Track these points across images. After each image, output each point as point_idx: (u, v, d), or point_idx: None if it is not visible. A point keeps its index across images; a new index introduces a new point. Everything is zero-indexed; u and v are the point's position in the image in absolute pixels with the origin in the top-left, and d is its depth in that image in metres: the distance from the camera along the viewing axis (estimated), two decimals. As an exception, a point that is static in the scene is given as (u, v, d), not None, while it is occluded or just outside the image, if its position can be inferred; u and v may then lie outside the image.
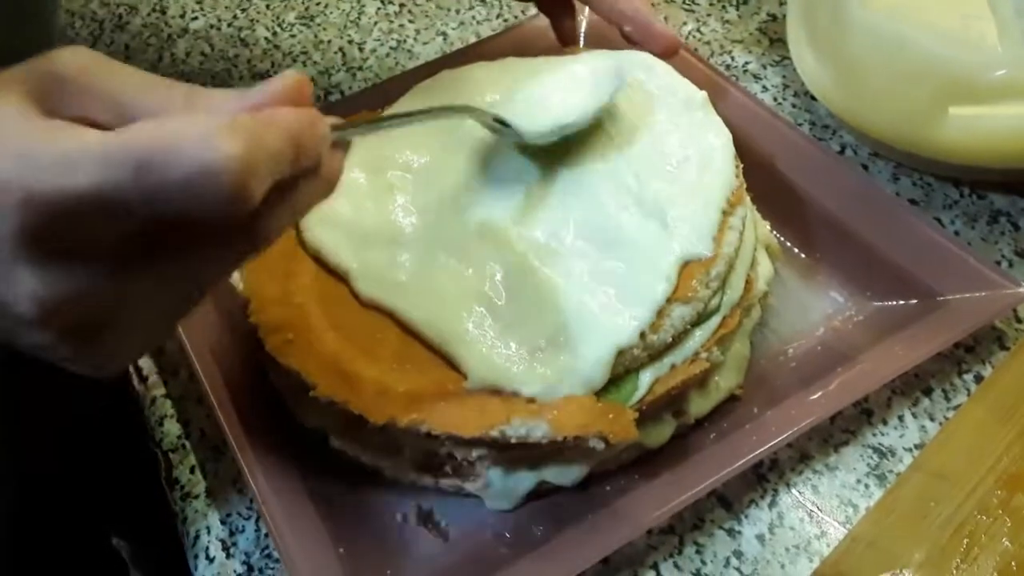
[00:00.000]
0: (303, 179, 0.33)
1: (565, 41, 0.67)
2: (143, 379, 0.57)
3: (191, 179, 0.28)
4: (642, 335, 0.47)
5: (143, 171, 0.27)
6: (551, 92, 0.55)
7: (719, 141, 0.54)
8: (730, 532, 0.48)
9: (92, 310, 0.31)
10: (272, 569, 0.49)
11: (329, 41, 0.80)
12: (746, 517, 0.49)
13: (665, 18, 0.78)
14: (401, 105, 0.59)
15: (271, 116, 0.30)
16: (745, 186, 0.54)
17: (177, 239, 0.31)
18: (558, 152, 0.53)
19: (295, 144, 0.31)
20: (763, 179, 0.59)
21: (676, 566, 0.47)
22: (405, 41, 0.79)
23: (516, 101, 0.55)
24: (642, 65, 0.59)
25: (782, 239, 0.60)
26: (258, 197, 0.29)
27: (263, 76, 0.77)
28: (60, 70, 0.31)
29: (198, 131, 0.28)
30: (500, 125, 0.51)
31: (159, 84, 0.31)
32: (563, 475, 0.48)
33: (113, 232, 0.29)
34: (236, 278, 0.54)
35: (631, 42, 0.60)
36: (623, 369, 0.47)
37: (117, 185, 0.28)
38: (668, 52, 0.59)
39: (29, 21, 0.62)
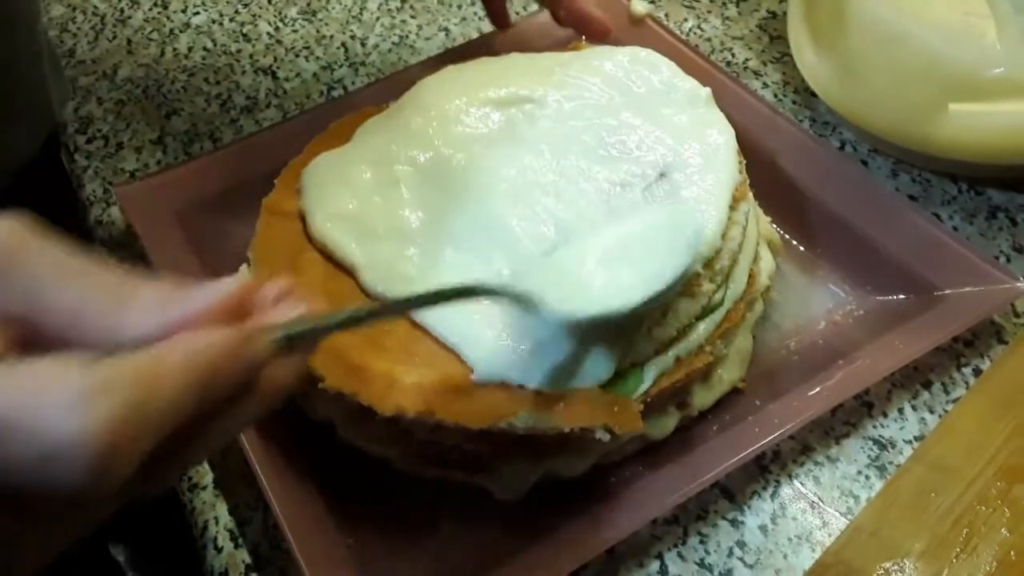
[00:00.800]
0: (226, 405, 0.28)
1: (499, 23, 0.68)
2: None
3: (44, 456, 0.23)
4: (648, 329, 0.47)
5: None
6: (599, 259, 0.47)
7: (723, 137, 0.55)
8: (733, 522, 0.49)
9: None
10: (280, 559, 0.49)
11: (331, 36, 0.80)
12: (749, 508, 0.49)
13: (666, 15, 0.79)
14: (406, 99, 0.60)
15: (177, 350, 0.26)
16: (748, 182, 0.55)
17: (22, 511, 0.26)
18: (565, 148, 0.54)
19: (205, 380, 0.27)
20: (765, 175, 0.60)
21: (680, 556, 0.48)
22: (407, 36, 0.80)
23: (552, 263, 0.48)
24: (646, 62, 0.60)
25: (783, 234, 0.61)
26: (129, 469, 0.24)
27: (265, 71, 0.77)
28: None
29: (61, 398, 0.23)
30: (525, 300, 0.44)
31: (85, 274, 0.27)
32: (569, 467, 0.49)
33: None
34: (244, 272, 0.54)
35: (563, 25, 0.61)
36: (628, 362, 0.48)
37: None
38: (600, 37, 0.60)
39: (9, 29, 0.61)
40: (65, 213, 0.72)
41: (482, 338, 0.47)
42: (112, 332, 0.27)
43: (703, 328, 0.50)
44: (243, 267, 0.55)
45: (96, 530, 0.29)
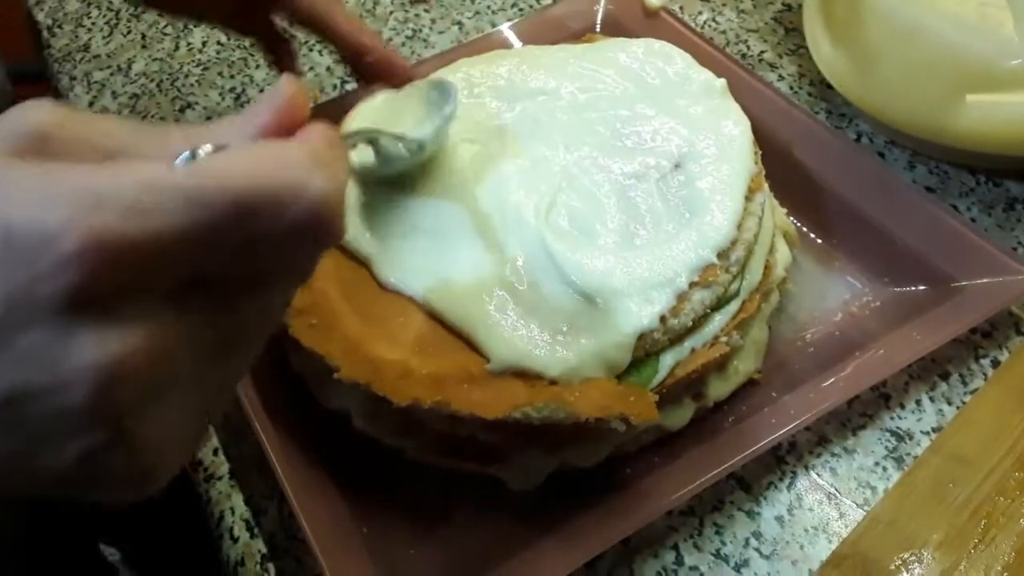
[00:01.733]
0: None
1: (293, 71, 0.66)
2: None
3: (298, 225, 0.25)
4: (663, 319, 0.47)
5: (246, 216, 0.25)
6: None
7: (738, 128, 0.55)
8: (749, 513, 0.49)
9: (159, 372, 0.25)
10: (296, 549, 0.49)
11: (345, 30, 0.80)
12: (765, 499, 0.49)
13: (680, 8, 0.79)
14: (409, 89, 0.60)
15: (316, 140, 0.28)
16: (764, 173, 0.55)
17: (255, 276, 0.28)
18: (579, 140, 0.54)
19: (343, 156, 0.29)
20: (781, 166, 0.60)
21: (696, 547, 0.48)
22: (421, 30, 0.80)
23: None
24: (660, 53, 0.60)
25: (800, 225, 0.60)
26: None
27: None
28: (35, 127, 0.26)
29: (294, 175, 0.25)
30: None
31: (149, 129, 0.28)
32: (584, 457, 0.49)
33: (187, 274, 0.25)
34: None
35: (367, 73, 0.59)
36: (644, 352, 0.47)
37: (213, 227, 0.24)
38: (404, 82, 0.58)
39: None
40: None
41: (497, 328, 0.47)
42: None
43: (719, 319, 0.50)
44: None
45: (88, 529, 0.29)
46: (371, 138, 0.50)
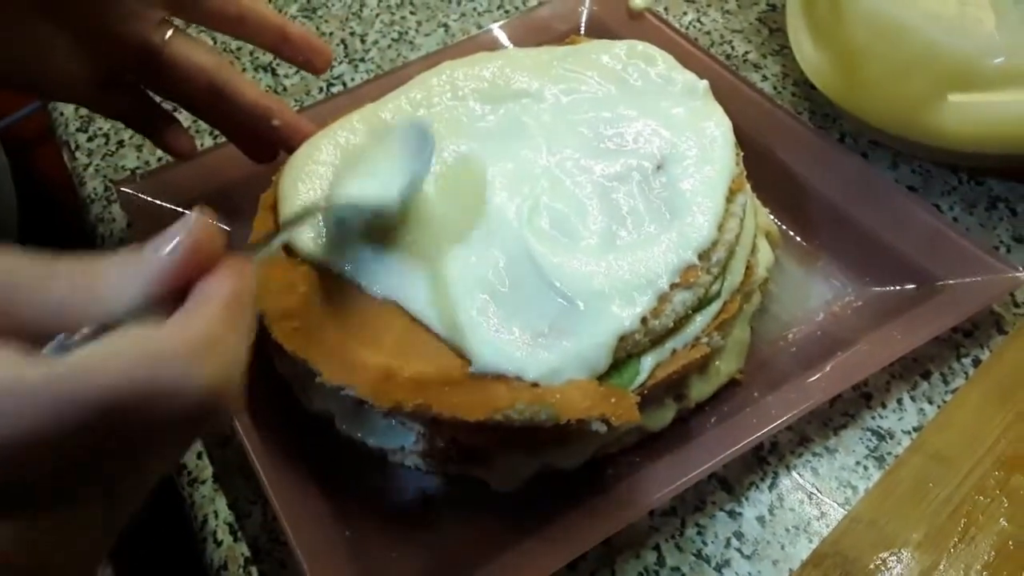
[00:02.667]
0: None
1: (178, 155, 0.59)
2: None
3: (177, 419, 0.25)
4: (644, 320, 0.47)
5: (116, 417, 0.24)
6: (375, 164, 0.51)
7: (720, 130, 0.55)
8: (731, 514, 0.49)
9: (31, 561, 0.25)
10: (279, 552, 0.49)
11: (331, 33, 0.80)
12: (747, 499, 0.49)
13: (666, 8, 0.79)
14: (401, 93, 0.60)
15: (211, 310, 0.27)
16: (745, 174, 0.55)
17: (132, 455, 0.27)
18: (561, 142, 0.54)
19: (245, 314, 0.28)
20: (764, 167, 0.60)
21: (678, 547, 0.48)
22: (407, 33, 0.80)
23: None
24: (643, 55, 0.60)
25: (782, 226, 0.61)
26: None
27: (265, 68, 0.77)
28: None
29: (173, 372, 0.25)
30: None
31: (29, 272, 0.27)
32: (566, 458, 0.49)
33: (54, 468, 0.25)
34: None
35: (274, 139, 0.56)
36: (625, 354, 0.48)
37: (80, 427, 0.24)
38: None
39: None
40: (66, 210, 0.73)
41: (479, 330, 0.47)
42: (94, 314, 0.26)
43: (700, 320, 0.50)
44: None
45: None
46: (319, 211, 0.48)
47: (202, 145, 0.71)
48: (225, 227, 0.62)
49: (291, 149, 0.56)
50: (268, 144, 0.58)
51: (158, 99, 0.58)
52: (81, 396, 0.23)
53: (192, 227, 0.28)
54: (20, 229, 0.76)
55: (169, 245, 0.28)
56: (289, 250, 0.52)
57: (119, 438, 0.25)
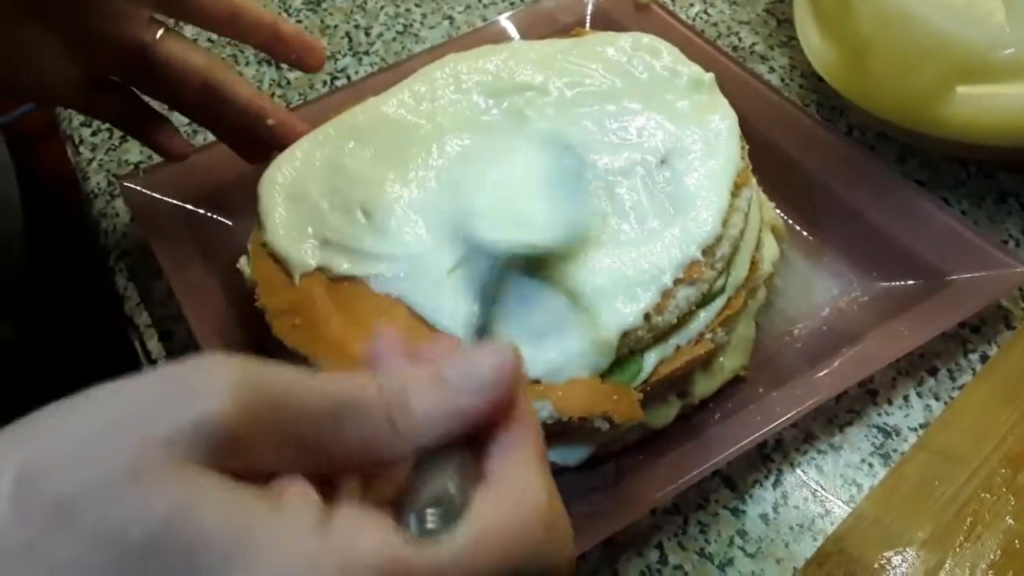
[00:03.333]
0: None
1: (172, 156, 0.59)
2: (152, 363, 0.58)
3: None
4: (647, 317, 0.47)
5: None
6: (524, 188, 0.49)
7: (725, 123, 0.54)
8: (734, 512, 0.49)
9: None
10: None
11: (335, 26, 0.80)
12: (750, 497, 0.49)
13: (672, 0, 0.78)
14: (405, 86, 0.59)
15: (538, 469, 0.27)
16: (751, 167, 0.54)
17: None
18: (566, 135, 0.54)
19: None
20: (770, 160, 0.59)
21: (680, 545, 0.48)
22: (412, 25, 0.79)
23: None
24: (648, 47, 0.59)
25: (788, 220, 0.60)
26: None
27: (269, 62, 0.77)
28: (220, 427, 0.23)
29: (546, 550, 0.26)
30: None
31: (340, 405, 0.25)
32: (568, 455, 0.49)
33: None
34: (243, 263, 0.54)
35: (268, 138, 0.55)
36: (628, 350, 0.47)
37: None
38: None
39: None
40: (69, 206, 0.73)
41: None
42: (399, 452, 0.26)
43: (703, 316, 0.49)
44: (242, 259, 0.55)
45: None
46: None
47: (205, 140, 0.71)
48: (227, 220, 0.63)
49: (285, 148, 0.56)
50: (262, 144, 0.57)
51: (149, 100, 0.57)
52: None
53: (502, 364, 0.27)
54: (25, 226, 0.76)
55: (478, 381, 0.26)
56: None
57: None
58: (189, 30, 0.58)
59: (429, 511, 0.25)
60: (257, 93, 0.54)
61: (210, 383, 0.23)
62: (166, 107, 0.57)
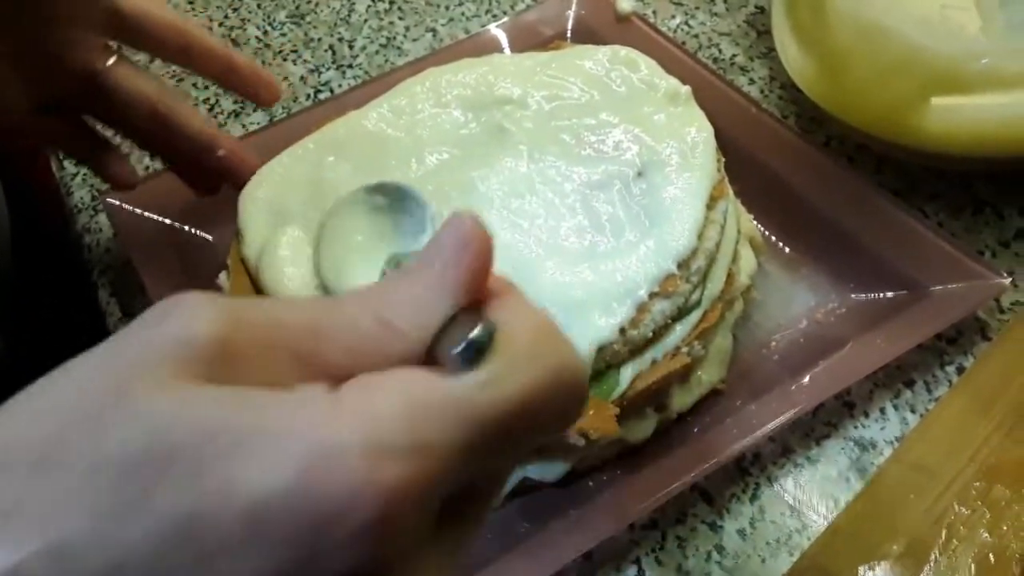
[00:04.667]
0: None
1: (119, 184, 0.58)
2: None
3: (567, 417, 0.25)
4: (623, 331, 0.47)
5: (523, 418, 0.23)
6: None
7: (701, 135, 0.54)
8: (712, 527, 0.49)
9: None
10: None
11: (319, 39, 0.80)
12: (728, 512, 0.49)
13: (654, 12, 0.78)
14: (384, 100, 0.59)
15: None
16: (727, 180, 0.54)
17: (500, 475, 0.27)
18: (544, 149, 0.54)
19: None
20: (748, 173, 0.59)
21: (658, 561, 0.48)
22: (395, 38, 0.80)
23: None
24: (626, 60, 0.59)
25: (766, 232, 0.60)
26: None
27: (253, 75, 0.77)
28: (211, 338, 0.22)
29: (572, 377, 0.25)
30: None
31: (326, 308, 0.24)
32: (545, 471, 0.49)
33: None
34: (223, 278, 0.54)
35: (218, 168, 0.54)
36: (604, 365, 0.47)
37: (484, 445, 0.23)
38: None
39: None
40: (53, 220, 0.73)
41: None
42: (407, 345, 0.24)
43: (680, 329, 0.50)
44: (222, 275, 0.55)
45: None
46: None
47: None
48: (208, 236, 0.63)
49: (236, 181, 0.55)
50: (213, 175, 0.56)
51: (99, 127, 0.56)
52: (492, 409, 0.23)
53: (461, 225, 0.26)
54: (12, 238, 0.76)
55: (447, 252, 0.25)
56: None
57: (521, 440, 0.25)
58: (194, 21, 0.59)
59: (462, 345, 0.24)
60: (207, 124, 0.54)
61: (191, 305, 0.23)
62: (118, 136, 0.57)
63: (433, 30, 0.80)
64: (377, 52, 0.79)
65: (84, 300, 0.66)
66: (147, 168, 0.71)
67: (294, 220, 0.53)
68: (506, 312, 0.25)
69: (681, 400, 0.51)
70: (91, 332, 0.65)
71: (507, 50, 0.71)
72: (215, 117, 0.74)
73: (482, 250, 0.25)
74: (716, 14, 0.77)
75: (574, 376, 0.25)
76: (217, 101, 0.76)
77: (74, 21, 0.49)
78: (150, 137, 0.55)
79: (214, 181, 0.57)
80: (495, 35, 0.73)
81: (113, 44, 0.52)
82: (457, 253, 0.25)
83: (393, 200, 0.48)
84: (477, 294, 0.25)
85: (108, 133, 0.57)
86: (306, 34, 0.81)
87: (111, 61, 0.51)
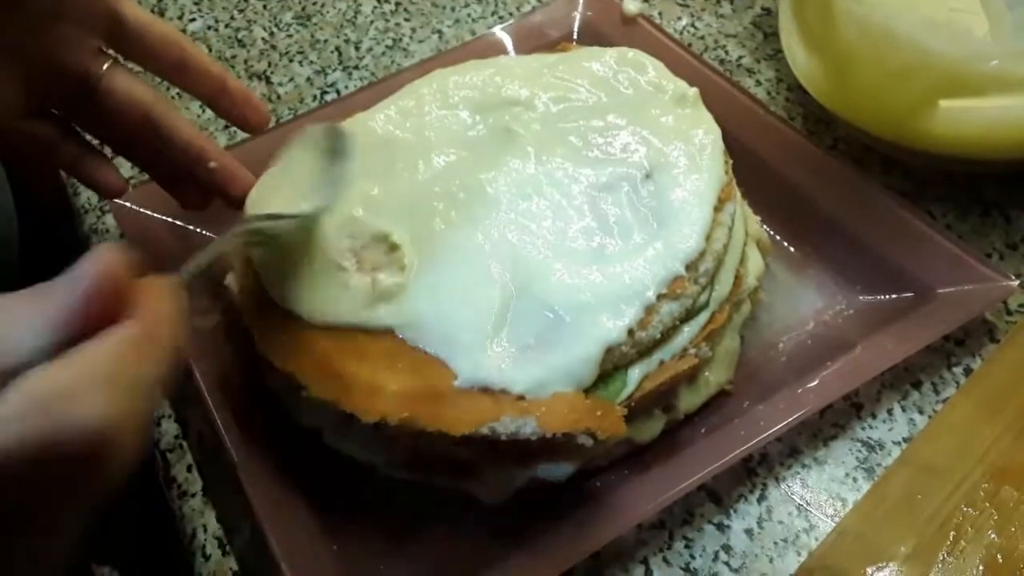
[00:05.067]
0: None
1: (109, 192, 0.56)
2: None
3: (74, 454, 0.26)
4: (630, 332, 0.47)
5: (17, 464, 0.25)
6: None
7: (709, 138, 0.54)
8: (719, 527, 0.49)
9: None
10: (267, 567, 0.49)
11: (326, 40, 0.80)
12: (735, 511, 0.49)
13: (660, 13, 0.78)
14: (391, 102, 0.59)
15: (112, 343, 0.28)
16: (735, 182, 0.54)
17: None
18: (551, 151, 0.54)
19: (158, 343, 0.30)
20: (755, 174, 0.59)
21: (666, 561, 0.48)
22: (401, 40, 0.80)
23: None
24: (633, 62, 0.59)
25: (773, 234, 0.60)
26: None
27: (259, 76, 0.77)
28: None
29: (65, 408, 0.26)
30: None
31: None
32: (553, 471, 0.49)
33: None
34: (231, 279, 0.55)
35: (208, 182, 0.53)
36: (612, 366, 0.47)
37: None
38: (243, 192, 0.53)
39: None
40: (60, 221, 0.73)
41: (465, 344, 0.47)
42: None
43: (687, 331, 0.50)
44: (229, 275, 0.55)
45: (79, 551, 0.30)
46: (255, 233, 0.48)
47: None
48: (215, 236, 0.63)
49: (226, 196, 0.54)
50: (202, 189, 0.55)
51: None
52: None
53: (92, 267, 0.28)
54: (20, 244, 0.76)
55: (71, 285, 0.28)
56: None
57: (30, 484, 0.26)
58: (200, 23, 0.58)
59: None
60: (199, 134, 0.53)
61: None
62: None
63: (439, 32, 0.80)
64: (383, 54, 0.79)
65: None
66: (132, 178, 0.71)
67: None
68: (74, 352, 0.27)
69: (689, 401, 0.51)
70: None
71: (513, 52, 0.72)
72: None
73: (103, 279, 0.28)
74: (722, 16, 0.77)
75: (71, 443, 0.26)
76: (224, 102, 0.76)
77: (73, 19, 0.48)
78: (139, 146, 0.53)
79: (205, 196, 0.56)
80: (501, 37, 0.73)
81: (110, 51, 0.51)
82: (68, 288, 0.28)
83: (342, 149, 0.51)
84: (85, 328, 0.28)
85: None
86: (312, 35, 0.81)
87: (107, 65, 0.50)
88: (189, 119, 0.53)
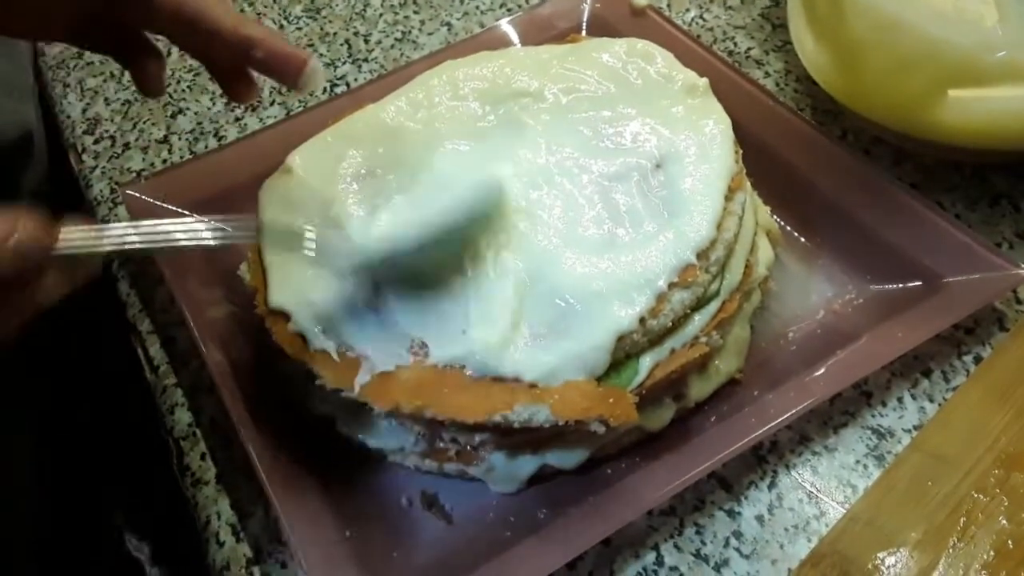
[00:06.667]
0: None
1: (149, 92, 0.55)
2: (155, 369, 0.58)
3: None
4: (642, 320, 0.47)
5: None
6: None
7: (719, 128, 0.55)
8: (730, 513, 0.49)
9: None
10: (281, 552, 0.50)
11: (335, 33, 0.81)
12: (746, 498, 0.49)
13: (668, 5, 0.78)
14: (402, 93, 0.60)
15: None
16: (745, 172, 0.55)
17: None
18: (561, 141, 0.54)
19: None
20: (765, 164, 0.60)
21: (676, 547, 0.48)
22: (410, 32, 0.80)
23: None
24: (642, 53, 0.60)
25: (783, 224, 0.60)
26: None
27: (270, 69, 0.78)
28: None
29: None
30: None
31: None
32: (565, 459, 0.49)
33: None
34: (244, 269, 0.55)
35: (260, 69, 0.50)
36: (623, 354, 0.48)
37: None
38: (299, 72, 0.49)
39: None
40: (73, 213, 0.73)
41: (479, 333, 0.47)
42: None
43: (698, 319, 0.50)
44: (243, 265, 0.55)
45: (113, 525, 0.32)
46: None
47: (206, 147, 0.72)
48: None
49: (282, 79, 0.50)
50: (248, 80, 0.52)
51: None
52: None
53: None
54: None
55: None
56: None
57: None
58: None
59: None
60: (243, 22, 0.49)
61: None
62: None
63: (448, 24, 0.80)
64: (392, 46, 0.79)
65: (104, 291, 0.66)
66: (164, 162, 0.71)
67: (311, 212, 0.53)
68: None
69: (699, 389, 0.52)
70: (111, 323, 0.65)
71: (521, 44, 0.72)
72: (231, 111, 0.74)
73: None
74: (731, 7, 0.77)
75: None
76: (234, 95, 0.76)
77: None
78: (184, 40, 0.51)
79: (251, 87, 0.53)
80: (509, 29, 0.73)
81: None
82: None
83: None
84: None
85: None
86: (322, 28, 0.81)
87: None
88: (228, 9, 0.49)
